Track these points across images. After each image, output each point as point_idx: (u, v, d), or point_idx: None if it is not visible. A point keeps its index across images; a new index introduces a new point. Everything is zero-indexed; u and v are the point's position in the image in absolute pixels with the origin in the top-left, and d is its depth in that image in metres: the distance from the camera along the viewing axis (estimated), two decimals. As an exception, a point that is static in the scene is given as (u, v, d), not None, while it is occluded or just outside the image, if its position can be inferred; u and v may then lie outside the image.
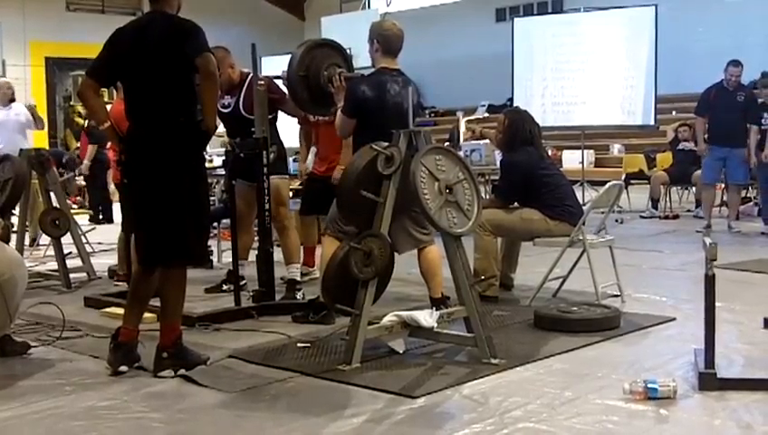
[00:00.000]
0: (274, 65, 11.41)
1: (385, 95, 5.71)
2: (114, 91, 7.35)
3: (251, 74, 6.77)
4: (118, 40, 4.93)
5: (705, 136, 11.01)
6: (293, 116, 7.23)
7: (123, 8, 25.62)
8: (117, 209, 12.88)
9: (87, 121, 16.11)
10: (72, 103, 23.64)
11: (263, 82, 6.45)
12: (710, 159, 10.94)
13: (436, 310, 5.19)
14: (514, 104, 14.31)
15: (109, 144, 14.55)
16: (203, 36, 4.74)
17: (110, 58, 4.93)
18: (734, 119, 10.60)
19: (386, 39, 5.87)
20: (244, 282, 6.71)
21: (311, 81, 5.99)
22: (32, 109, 10.69)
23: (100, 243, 10.33)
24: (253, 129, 6.42)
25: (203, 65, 4.66)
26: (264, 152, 6.26)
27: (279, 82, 6.75)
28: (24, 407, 4.35)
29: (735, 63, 10.83)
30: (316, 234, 7.63)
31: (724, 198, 12.05)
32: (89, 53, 21.02)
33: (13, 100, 10.71)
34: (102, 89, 5.13)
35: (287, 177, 7.27)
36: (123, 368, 4.83)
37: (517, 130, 6.88)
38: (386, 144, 5.04)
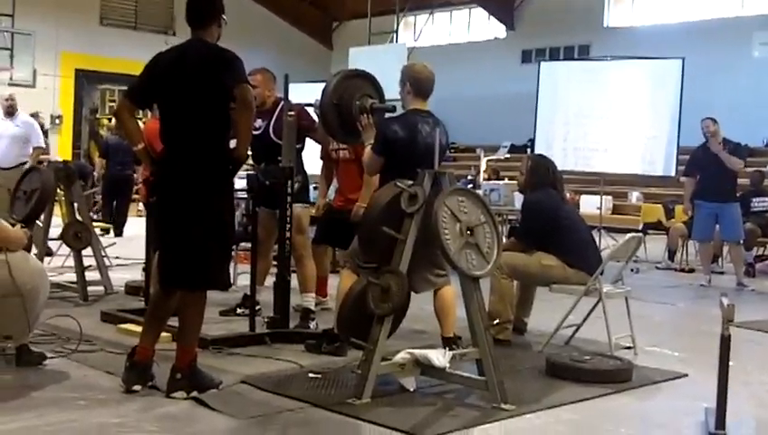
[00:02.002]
0: (302, 92, 11.51)
1: (416, 136, 5.76)
2: (149, 112, 7.43)
3: (284, 101, 6.86)
4: (157, 64, 5.02)
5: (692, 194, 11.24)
6: (321, 144, 7.26)
7: (156, 26, 25.91)
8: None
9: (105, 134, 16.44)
10: (98, 116, 23.87)
11: (293, 113, 6.52)
12: (700, 215, 11.04)
13: (449, 350, 5.21)
14: (536, 145, 14.42)
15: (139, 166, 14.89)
16: (241, 66, 4.83)
17: (148, 81, 5.02)
18: (721, 174, 10.73)
19: (418, 81, 5.95)
20: (258, 307, 6.76)
21: (343, 109, 6.05)
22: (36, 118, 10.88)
23: (117, 257, 10.38)
24: (279, 157, 6.49)
25: (241, 95, 4.74)
26: (290, 181, 6.33)
27: (310, 110, 6.83)
28: (36, 419, 4.38)
29: (706, 118, 11.00)
30: (328, 264, 7.68)
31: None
32: (118, 67, 21.33)
33: (13, 112, 10.84)
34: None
35: (308, 206, 7.33)
36: (137, 387, 4.86)
37: (540, 172, 6.96)
38: (410, 182, 5.11)
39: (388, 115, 6.12)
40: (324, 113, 6.15)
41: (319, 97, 6.31)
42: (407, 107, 5.99)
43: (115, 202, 15.08)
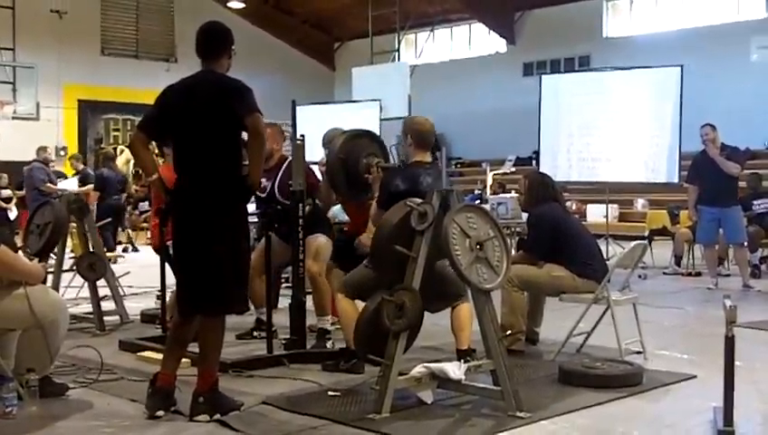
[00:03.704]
0: (305, 115, 11.68)
1: (418, 187, 5.86)
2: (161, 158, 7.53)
3: (288, 159, 7.05)
4: (169, 96, 5.15)
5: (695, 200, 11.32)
6: (323, 202, 7.26)
7: (157, 54, 26.08)
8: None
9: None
10: (102, 146, 24.00)
11: (302, 136, 6.66)
12: (704, 220, 11.16)
13: (464, 362, 5.32)
14: (540, 157, 14.53)
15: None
16: (252, 96, 4.95)
17: (161, 113, 5.14)
18: (720, 179, 10.87)
19: (419, 134, 6.09)
20: (274, 329, 6.87)
21: (349, 165, 6.18)
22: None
23: (130, 286, 10.48)
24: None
25: (252, 125, 4.86)
26: (300, 205, 6.46)
27: (315, 168, 6.98)
28: (64, 447, 4.49)
29: (704, 125, 11.14)
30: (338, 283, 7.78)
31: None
32: (121, 96, 21.51)
33: None
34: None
35: (329, 240, 7.33)
36: (160, 412, 4.97)
37: (539, 188, 7.10)
38: (420, 201, 5.24)
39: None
40: (331, 168, 6.28)
41: (322, 145, 6.42)
42: (410, 159, 6.15)
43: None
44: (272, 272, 6.97)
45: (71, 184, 15.66)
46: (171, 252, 6.22)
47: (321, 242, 6.94)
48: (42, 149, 16.65)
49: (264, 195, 7.09)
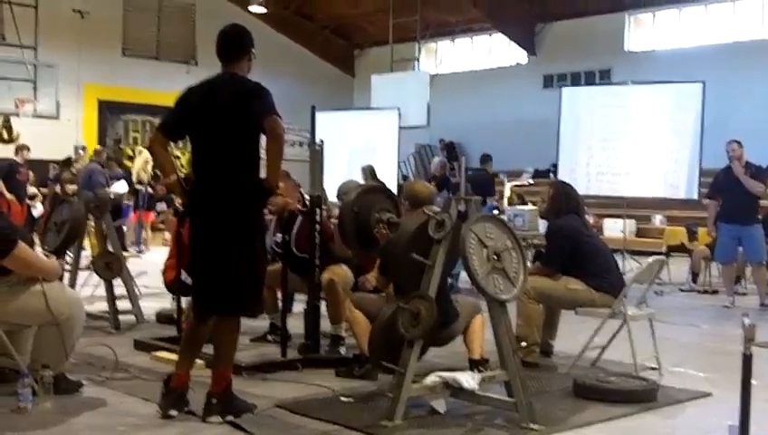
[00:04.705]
0: (324, 120, 11.68)
1: None
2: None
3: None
4: (188, 97, 5.16)
5: (715, 217, 11.30)
6: (337, 256, 7.11)
7: (177, 56, 26.12)
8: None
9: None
10: (121, 146, 24.04)
11: (319, 143, 6.66)
12: (723, 238, 11.13)
13: (478, 372, 5.31)
14: (559, 170, 14.48)
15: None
16: (270, 98, 4.95)
17: (180, 115, 5.16)
18: (743, 197, 10.87)
19: (415, 199, 6.05)
20: (288, 334, 6.87)
21: (361, 218, 6.17)
22: None
23: (146, 286, 10.49)
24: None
25: (269, 127, 4.86)
26: (317, 209, 6.47)
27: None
28: (77, 445, 4.50)
29: (731, 141, 11.13)
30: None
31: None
32: (141, 98, 21.50)
33: None
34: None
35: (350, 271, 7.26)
36: (173, 412, 4.98)
37: (562, 199, 7.08)
38: (437, 209, 5.24)
39: None
40: (343, 219, 6.28)
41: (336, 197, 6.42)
42: None
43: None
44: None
45: (122, 187, 15.68)
46: (184, 277, 6.30)
47: (343, 268, 6.95)
48: (100, 152, 16.68)
49: (280, 250, 7.13)
